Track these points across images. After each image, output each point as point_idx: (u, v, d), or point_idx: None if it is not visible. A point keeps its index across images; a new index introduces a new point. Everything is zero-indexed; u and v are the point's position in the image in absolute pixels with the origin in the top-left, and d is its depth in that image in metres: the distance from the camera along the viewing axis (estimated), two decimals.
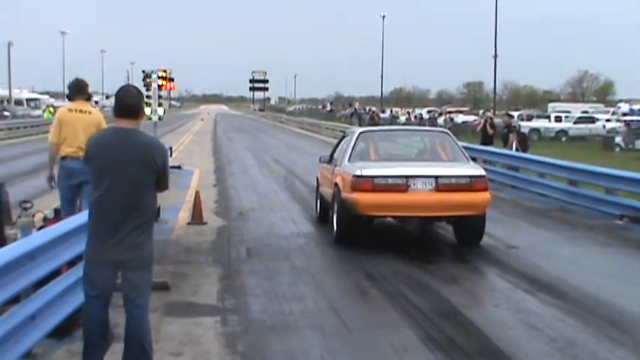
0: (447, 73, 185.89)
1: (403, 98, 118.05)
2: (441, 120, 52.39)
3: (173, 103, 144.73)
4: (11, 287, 4.64)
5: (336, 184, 9.03)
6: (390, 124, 50.37)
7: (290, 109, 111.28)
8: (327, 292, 7.38)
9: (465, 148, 18.69)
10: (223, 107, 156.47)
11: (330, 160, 10.19)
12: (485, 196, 8.50)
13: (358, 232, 8.65)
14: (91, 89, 8.89)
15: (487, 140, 19.21)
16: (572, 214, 12.71)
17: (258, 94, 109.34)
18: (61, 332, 5.51)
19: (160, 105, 22.43)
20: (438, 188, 8.31)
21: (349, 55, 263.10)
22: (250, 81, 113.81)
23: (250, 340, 5.94)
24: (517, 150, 17.46)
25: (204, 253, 9.27)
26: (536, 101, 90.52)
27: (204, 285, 7.64)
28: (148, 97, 22.43)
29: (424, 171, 8.43)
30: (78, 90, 8.14)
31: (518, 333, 6.11)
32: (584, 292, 7.41)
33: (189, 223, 11.28)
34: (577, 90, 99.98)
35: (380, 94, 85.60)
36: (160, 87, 22.51)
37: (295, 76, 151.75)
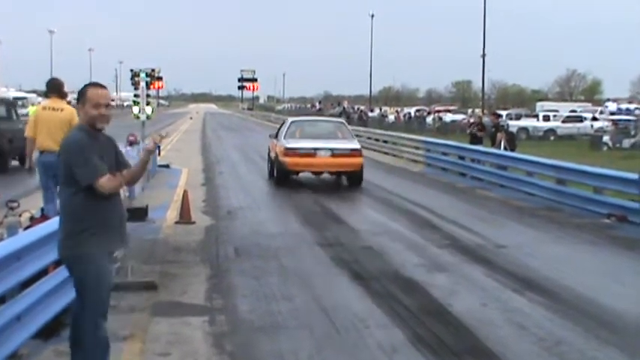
0: (435, 71, 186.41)
1: (392, 97, 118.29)
2: (429, 119, 52.58)
3: (161, 102, 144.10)
4: None
5: (276, 152, 14.97)
6: (379, 123, 50.50)
7: (279, 107, 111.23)
8: (315, 292, 7.38)
9: (453, 147, 19.01)
10: (212, 106, 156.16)
11: (276, 136, 15.97)
12: (360, 160, 14.51)
13: (287, 179, 14.84)
14: (78, 88, 9.35)
15: (476, 140, 19.29)
16: (560, 213, 12.77)
17: (247, 93, 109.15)
18: (47, 332, 5.49)
19: (148, 104, 22.33)
20: (333, 155, 14.35)
21: (338, 54, 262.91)
22: (239, 80, 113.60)
23: (238, 340, 5.92)
24: (505, 149, 17.53)
25: (193, 253, 9.24)
26: (524, 100, 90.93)
27: (193, 284, 7.62)
28: (136, 95, 22.35)
29: (325, 145, 14.46)
30: (53, 89, 8.96)
31: (506, 332, 6.13)
32: (572, 291, 7.44)
33: (177, 223, 11.24)
34: (565, 89, 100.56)
35: (369, 93, 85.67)
36: (148, 86, 22.41)
37: (284, 75, 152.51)
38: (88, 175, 4.41)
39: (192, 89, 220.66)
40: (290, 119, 18.16)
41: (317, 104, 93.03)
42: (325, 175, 16.67)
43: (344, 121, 17.66)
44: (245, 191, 15.80)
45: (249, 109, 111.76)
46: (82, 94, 4.56)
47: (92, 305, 4.43)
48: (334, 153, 15.19)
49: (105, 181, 4.43)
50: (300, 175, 16.16)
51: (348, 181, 15.65)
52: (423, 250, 9.56)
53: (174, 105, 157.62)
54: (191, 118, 71.88)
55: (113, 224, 4.59)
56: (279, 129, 17.02)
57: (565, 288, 7.58)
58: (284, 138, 15.75)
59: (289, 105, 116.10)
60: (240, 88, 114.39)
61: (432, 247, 9.70)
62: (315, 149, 15.20)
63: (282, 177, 15.56)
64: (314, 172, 15.84)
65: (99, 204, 4.49)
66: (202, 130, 49.01)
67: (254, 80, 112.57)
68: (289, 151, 15.19)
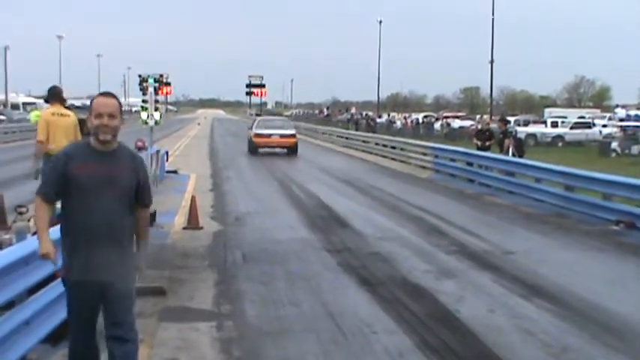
0: (444, 78, 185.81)
1: (400, 103, 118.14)
2: (437, 125, 52.49)
3: (170, 107, 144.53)
4: (6, 292, 4.61)
5: (250, 136, 26.78)
6: (387, 129, 50.48)
7: (287, 113, 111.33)
8: (323, 298, 7.39)
9: (461, 153, 19.12)
10: (220, 112, 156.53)
11: (250, 128, 27.77)
12: (295, 140, 26.75)
13: (256, 151, 25.86)
14: (87, 94, 9.91)
15: (484, 147, 19.26)
16: (568, 219, 12.74)
17: (255, 99, 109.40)
18: (55, 337, 5.47)
19: (156, 109, 22.39)
20: (280, 137, 26.55)
21: (346, 60, 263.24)
22: (247, 85, 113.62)
23: (246, 345, 5.93)
24: (513, 155, 17.51)
25: (200, 258, 9.27)
26: (532, 106, 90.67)
27: (200, 290, 7.64)
28: (145, 101, 22.43)
29: (276, 132, 26.78)
30: (55, 96, 9.31)
31: (513, 338, 6.12)
32: (579, 298, 7.43)
33: (185, 228, 11.28)
34: (573, 95, 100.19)
35: (377, 99, 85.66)
36: (156, 91, 22.50)
37: (292, 81, 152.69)
38: (38, 188, 4.16)
39: (200, 95, 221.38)
40: (258, 118, 32.78)
41: (325, 110, 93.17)
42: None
43: (286, 118, 29.23)
44: (253, 197, 15.85)
45: (257, 114, 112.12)
46: (90, 103, 4.28)
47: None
48: (280, 136, 28.24)
49: (36, 204, 4.11)
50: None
51: (287, 152, 28.10)
52: (430, 256, 9.56)
53: (182, 110, 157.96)
54: (199, 124, 72.11)
55: (90, 247, 4.07)
56: (252, 124, 30.37)
57: (572, 294, 7.56)
58: (254, 128, 28.90)
59: (297, 111, 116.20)
60: (248, 94, 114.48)
61: (440, 253, 9.70)
62: (270, 134, 28.20)
63: (253, 150, 28.28)
64: (269, 146, 28.19)
65: (74, 221, 4.08)
66: (210, 136, 49.13)
67: (262, 86, 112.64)
68: (256, 135, 28.21)
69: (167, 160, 20.26)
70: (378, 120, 58.48)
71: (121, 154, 4.19)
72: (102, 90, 4.80)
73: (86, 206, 4.05)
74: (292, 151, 28.69)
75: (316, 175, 21.19)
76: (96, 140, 4.12)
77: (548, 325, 6.49)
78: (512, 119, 43.50)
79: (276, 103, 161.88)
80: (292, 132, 29.33)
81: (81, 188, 4.05)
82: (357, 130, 47.21)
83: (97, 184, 4.06)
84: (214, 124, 73.86)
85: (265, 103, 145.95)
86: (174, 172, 19.87)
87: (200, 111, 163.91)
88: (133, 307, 4.22)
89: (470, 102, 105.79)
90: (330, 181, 19.48)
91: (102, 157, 4.12)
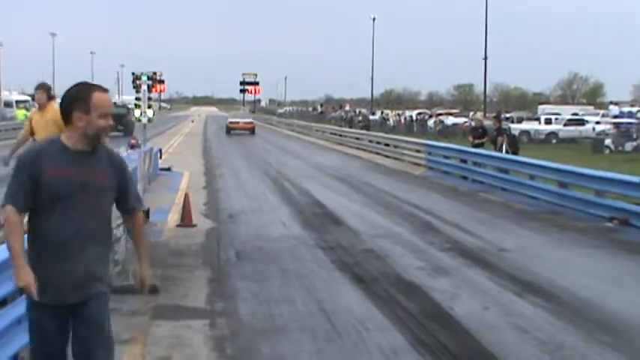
0: (437, 75, 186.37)
1: (394, 100, 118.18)
2: (431, 122, 52.53)
3: (163, 105, 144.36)
4: None
5: (227, 123, 47.92)
6: (381, 126, 50.53)
7: (280, 111, 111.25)
8: (316, 295, 7.37)
9: (455, 150, 19.22)
10: (214, 109, 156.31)
11: (227, 119, 50.41)
12: (253, 125, 47.38)
13: (229, 132, 45.12)
14: None
15: (479, 144, 19.25)
16: (562, 216, 12.76)
17: (249, 97, 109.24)
18: None
19: (149, 107, 22.40)
20: (244, 123, 47.72)
21: (340, 57, 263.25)
22: (241, 83, 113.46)
23: (239, 343, 5.92)
24: (507, 152, 17.53)
25: (194, 256, 9.25)
26: (526, 103, 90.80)
27: (194, 288, 7.62)
28: (138, 99, 22.42)
29: (242, 120, 49.01)
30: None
31: (507, 336, 6.12)
32: (573, 295, 7.43)
33: (178, 226, 11.25)
34: (567, 92, 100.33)
35: (370, 96, 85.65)
36: (149, 89, 22.47)
37: (286, 78, 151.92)
38: (5, 195, 3.54)
39: (193, 92, 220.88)
40: (230, 114, 58.84)
41: (319, 107, 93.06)
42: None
43: (247, 111, 60.49)
44: (246, 195, 15.83)
45: (251, 112, 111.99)
46: (81, 98, 3.54)
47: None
48: (245, 123, 47.25)
49: (5, 217, 3.49)
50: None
51: (250, 133, 44.59)
52: (424, 253, 9.55)
53: (175, 108, 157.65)
54: (192, 122, 71.98)
55: (63, 263, 3.53)
56: (229, 117, 51.68)
57: (567, 291, 7.56)
58: (229, 118, 50.41)
59: (291, 108, 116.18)
60: (242, 91, 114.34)
61: (434, 251, 9.70)
62: (238, 122, 47.70)
63: (228, 131, 45.36)
64: (237, 129, 45.37)
65: (44, 234, 3.52)
66: (204, 133, 49.01)
67: (256, 84, 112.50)
68: (230, 122, 47.65)
69: (160, 157, 20.22)
70: (372, 117, 58.51)
71: (100, 155, 3.61)
72: None
73: (59, 216, 3.47)
74: (251, 131, 46.92)
75: (310, 172, 21.18)
76: (88, 141, 3.54)
77: (542, 322, 6.49)
78: (507, 116, 43.54)
79: (270, 100, 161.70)
80: (251, 120, 50.20)
81: (53, 195, 3.47)
82: (350, 127, 47.26)
83: (72, 190, 3.49)
84: (208, 122, 73.76)
85: (259, 101, 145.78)
86: (168, 169, 19.83)
87: (194, 108, 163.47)
88: (106, 331, 3.68)
89: (463, 99, 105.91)
90: (324, 178, 19.47)
91: (79, 158, 3.54)
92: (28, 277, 3.43)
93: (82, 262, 3.55)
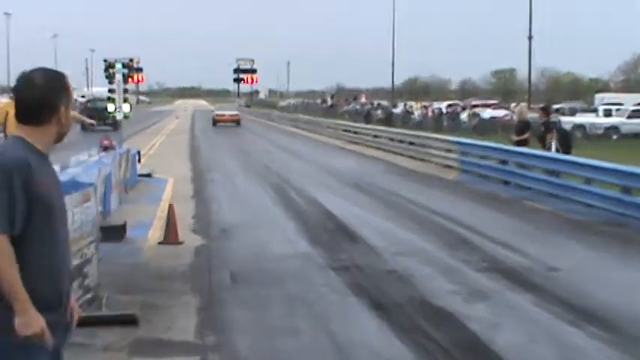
0: (471, 59, 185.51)
1: (419, 89, 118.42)
2: (464, 115, 52.58)
3: (142, 98, 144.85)
4: None
5: (213, 115, 59.43)
6: (404, 121, 50.58)
7: (282, 104, 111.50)
8: (328, 326, 7.38)
9: (494, 149, 19.30)
10: (202, 102, 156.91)
11: (212, 111, 63.78)
12: (238, 117, 59.19)
13: (215, 125, 55.51)
14: None
15: (522, 141, 19.18)
16: (625, 228, 12.72)
17: (245, 87, 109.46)
18: None
19: (125, 100, 22.50)
20: (230, 116, 59.15)
21: (353, 40, 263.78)
22: (234, 71, 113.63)
23: None
24: (557, 151, 17.50)
25: (180, 279, 9.27)
26: (580, 91, 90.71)
27: (180, 318, 7.64)
28: (112, 91, 22.52)
29: (229, 112, 60.48)
30: None
31: None
32: None
33: (161, 243, 11.29)
34: (631, 77, 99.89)
35: (390, 85, 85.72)
36: (125, 79, 22.58)
37: (288, 64, 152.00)
38: None
39: (178, 83, 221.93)
40: (216, 106, 71.70)
41: (328, 99, 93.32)
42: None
43: (242, 103, 77.98)
44: (243, 205, 15.87)
45: (246, 106, 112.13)
46: (65, 89, 3.48)
47: None
48: (231, 115, 59.13)
49: None
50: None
51: (235, 125, 55.87)
52: (457, 274, 9.56)
53: (157, 102, 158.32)
54: (177, 118, 72.33)
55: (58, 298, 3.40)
56: (214, 110, 64.61)
57: (632, 321, 7.54)
58: (215, 111, 62.36)
59: (295, 101, 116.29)
60: (237, 80, 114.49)
61: (469, 271, 9.69)
62: (224, 114, 59.14)
63: (215, 124, 56.31)
64: (223, 121, 56.66)
65: (36, 261, 3.33)
66: (191, 131, 49.25)
67: (252, 72, 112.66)
68: (216, 114, 59.21)
69: (139, 161, 20.30)
70: (394, 111, 58.60)
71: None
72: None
73: (51, 237, 3.35)
74: (237, 123, 57.04)
75: (319, 177, 21.23)
76: (55, 141, 3.49)
77: (602, 357, 6.47)
78: (555, 107, 43.49)
79: (270, 91, 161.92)
80: (237, 112, 61.06)
81: (46, 212, 3.33)
82: (367, 122, 47.33)
83: (57, 204, 3.41)
84: (195, 118, 74.01)
85: (257, 92, 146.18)
86: (148, 175, 19.92)
87: (178, 102, 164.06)
88: None
89: (503, 87, 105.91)
90: (336, 185, 19.51)
91: (48, 164, 3.47)
92: (41, 321, 3.22)
93: (70, 295, 3.50)
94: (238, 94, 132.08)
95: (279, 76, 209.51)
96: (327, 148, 34.41)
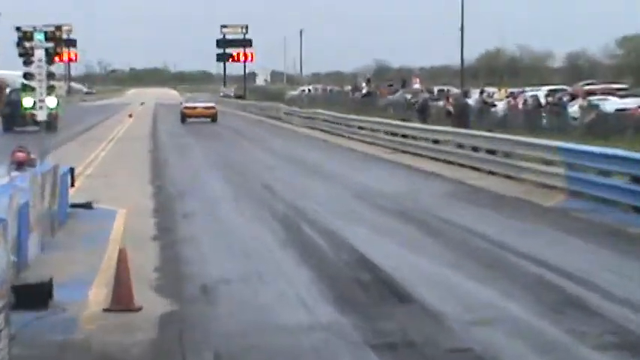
0: (582, 23, 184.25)
1: (502, 68, 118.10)
2: (574, 108, 52.21)
3: (76, 86, 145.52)
4: None
5: (181, 109, 69.53)
6: (480, 117, 50.34)
7: (293, 92, 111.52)
8: None
9: (622, 159, 19.40)
10: (170, 93, 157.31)
11: (181, 103, 75.36)
12: (215, 110, 69.60)
13: (185, 121, 66.08)
14: None
15: None
16: None
17: (234, 68, 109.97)
18: None
19: (50, 90, 22.45)
20: (204, 108, 69.94)
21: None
22: (218, 44, 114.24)
23: None
24: None
25: None
26: None
27: None
28: (29, 75, 22.46)
29: (200, 105, 71.25)
30: None
31: None
32: None
33: (107, 310, 11.29)
34: None
35: (459, 62, 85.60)
36: (50, 58, 22.61)
37: (301, 33, 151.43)
38: None
39: (132, 63, 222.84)
40: (184, 97, 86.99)
41: (363, 84, 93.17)
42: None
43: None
44: (232, 249, 15.85)
45: (237, 96, 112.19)
46: None
47: None
48: (204, 107, 69.52)
49: None
50: None
51: (211, 121, 66.33)
52: (566, 353, 9.52)
53: (100, 91, 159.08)
54: (131, 116, 72.56)
55: None
56: (182, 101, 78.82)
57: None
58: (184, 102, 73.31)
59: (311, 88, 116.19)
60: (222, 58, 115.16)
61: (586, 349, 9.65)
62: (195, 107, 69.25)
63: (183, 120, 66.12)
64: (195, 116, 67.24)
65: None
66: (152, 136, 49.40)
67: (245, 44, 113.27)
68: (185, 107, 68.92)
69: (72, 184, 20.32)
70: (467, 101, 58.36)
71: None
72: None
73: None
74: (215, 119, 65.87)
75: (348, 205, 21.27)
76: None
77: None
78: None
79: (274, 74, 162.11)
80: (213, 104, 70.30)
81: None
82: (424, 120, 47.05)
83: None
84: (159, 116, 74.43)
85: (254, 75, 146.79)
86: (87, 205, 19.90)
87: (132, 91, 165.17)
88: None
89: (635, 62, 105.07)
90: (374, 215, 19.54)
91: None
92: None
93: None
94: (224, 81, 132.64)
95: (288, 53, 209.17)
96: (359, 159, 34.44)
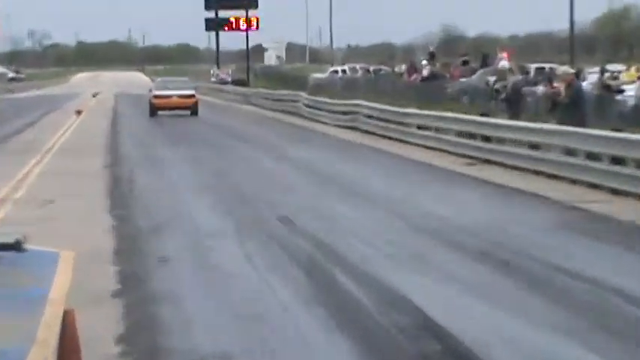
0: None
1: (631, 36, 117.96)
2: None
3: None
4: None
5: (150, 98, 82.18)
6: (601, 101, 50.17)
7: (320, 76, 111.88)
8: None
9: None
10: (136, 77, 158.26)
11: (150, 90, 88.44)
12: (194, 100, 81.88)
13: (155, 114, 79.51)
14: None
15: None
16: None
17: (232, 41, 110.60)
18: None
19: None
20: (180, 97, 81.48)
21: None
22: (208, 3, 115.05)
23: None
24: None
25: None
26: None
27: None
28: None
29: (176, 92, 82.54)
30: None
31: None
32: None
33: None
34: None
35: (567, 28, 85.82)
36: None
37: None
38: None
39: (80, 34, 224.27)
40: (154, 83, 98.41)
41: (423, 62, 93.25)
42: None
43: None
44: (234, 311, 15.89)
45: (237, 82, 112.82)
46: None
47: None
48: (180, 96, 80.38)
49: None
50: None
51: (190, 113, 78.92)
52: None
53: (33, 76, 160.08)
54: (79, 113, 73.00)
55: None
56: (151, 87, 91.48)
57: None
58: (154, 90, 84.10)
59: (346, 67, 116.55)
60: (214, 26, 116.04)
61: None
62: (170, 95, 79.85)
63: (152, 113, 78.45)
64: (167, 108, 79.68)
65: None
66: (111, 144, 49.59)
67: (248, 4, 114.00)
68: (154, 96, 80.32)
69: None
70: (582, 84, 58.17)
71: None
72: None
73: None
74: (194, 112, 74.96)
75: (406, 240, 21.42)
76: None
77: None
78: None
79: (290, 47, 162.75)
80: (192, 92, 77.72)
81: None
82: (516, 115, 47.05)
83: None
84: (120, 112, 74.88)
85: (261, 50, 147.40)
86: (15, 246, 19.91)
87: (81, 76, 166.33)
88: None
89: None
90: (447, 257, 19.61)
91: None
92: None
93: None
94: (217, 59, 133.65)
95: (313, 17, 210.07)
96: (420, 174, 34.67)
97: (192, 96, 73.45)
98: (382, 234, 22.46)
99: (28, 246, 21.79)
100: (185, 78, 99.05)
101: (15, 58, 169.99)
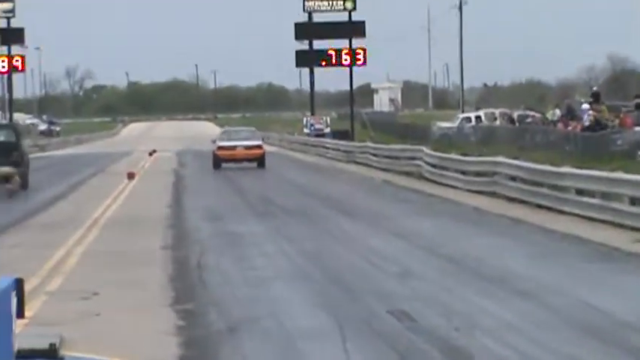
0: None
1: None
2: None
3: (23, 117, 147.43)
4: None
5: (214, 150, 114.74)
6: None
7: (445, 125, 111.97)
8: None
9: None
10: (206, 127, 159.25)
11: (214, 142, 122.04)
12: (261, 151, 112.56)
13: (219, 167, 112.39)
14: None
15: None
16: None
17: (332, 80, 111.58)
18: None
19: None
20: (246, 148, 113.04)
21: None
22: (299, 31, 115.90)
23: None
24: None
25: None
26: None
27: None
28: None
29: (243, 142, 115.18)
30: None
31: None
32: None
33: None
34: None
35: None
36: None
37: (461, 4, 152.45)
38: None
39: (132, 74, 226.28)
40: (219, 133, 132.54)
41: (583, 108, 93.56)
42: None
43: (254, 129, 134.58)
44: None
45: (336, 134, 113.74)
46: None
47: None
48: (246, 147, 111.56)
49: None
50: None
51: (257, 166, 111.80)
52: None
53: (71, 128, 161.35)
54: (131, 177, 73.52)
55: None
56: (216, 138, 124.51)
57: None
58: (218, 141, 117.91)
59: (482, 113, 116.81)
60: (307, 60, 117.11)
61: None
62: (235, 146, 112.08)
63: (216, 165, 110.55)
64: (233, 160, 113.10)
65: None
66: (172, 217, 49.89)
67: (353, 31, 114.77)
68: (219, 147, 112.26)
69: (20, 312, 20.56)
70: None
71: None
72: None
73: None
74: (261, 163, 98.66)
75: (575, 349, 21.18)
76: None
77: None
78: None
79: (407, 86, 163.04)
80: (259, 142, 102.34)
81: None
82: None
83: None
84: (186, 175, 75.56)
85: (370, 90, 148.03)
86: (50, 354, 20.11)
87: (132, 127, 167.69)
88: None
89: None
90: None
91: None
92: None
93: None
94: (312, 105, 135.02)
95: (436, 52, 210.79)
96: (585, 256, 34.49)
97: (259, 146, 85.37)
98: (531, 334, 22.39)
99: (65, 353, 22.05)
100: (252, 128, 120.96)
101: (48, 104, 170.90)
